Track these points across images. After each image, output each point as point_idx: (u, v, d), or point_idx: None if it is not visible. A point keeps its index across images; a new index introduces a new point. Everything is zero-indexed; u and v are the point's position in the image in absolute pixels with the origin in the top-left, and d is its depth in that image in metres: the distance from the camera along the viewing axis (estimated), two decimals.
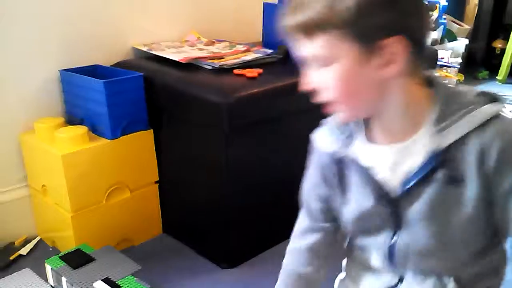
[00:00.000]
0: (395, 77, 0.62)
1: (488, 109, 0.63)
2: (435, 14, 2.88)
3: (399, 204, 0.68)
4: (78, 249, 1.25)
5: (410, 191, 0.66)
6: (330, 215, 0.82)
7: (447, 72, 2.59)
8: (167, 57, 1.44)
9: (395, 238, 0.70)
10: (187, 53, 1.47)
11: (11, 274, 1.30)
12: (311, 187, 0.86)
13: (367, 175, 0.69)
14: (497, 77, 3.25)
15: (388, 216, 0.69)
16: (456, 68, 2.73)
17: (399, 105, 0.65)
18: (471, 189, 0.63)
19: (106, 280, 1.13)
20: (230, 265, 1.37)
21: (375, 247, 0.74)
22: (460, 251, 0.68)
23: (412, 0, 0.62)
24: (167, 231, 1.54)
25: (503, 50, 3.28)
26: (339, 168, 0.74)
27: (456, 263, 0.69)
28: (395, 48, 0.60)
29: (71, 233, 1.32)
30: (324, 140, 0.75)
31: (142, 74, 1.37)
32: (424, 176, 0.64)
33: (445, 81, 0.71)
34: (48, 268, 1.21)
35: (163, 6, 1.65)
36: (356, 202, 0.73)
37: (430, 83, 0.66)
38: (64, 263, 1.20)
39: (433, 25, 2.81)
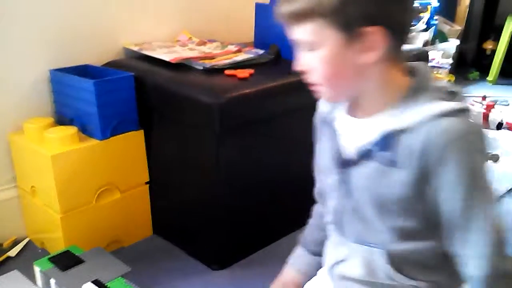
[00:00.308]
0: (374, 63, 0.68)
1: (445, 105, 0.66)
2: (426, 15, 2.90)
3: (347, 171, 0.75)
4: (67, 250, 1.24)
5: (358, 162, 0.73)
6: None
7: (438, 72, 2.60)
8: (158, 57, 1.43)
9: (341, 203, 0.78)
10: (178, 53, 1.47)
11: None
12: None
13: (333, 136, 0.77)
14: (487, 78, 3.28)
15: (338, 180, 0.76)
16: (447, 69, 2.74)
17: (375, 88, 0.71)
18: (405, 175, 0.67)
19: (96, 282, 1.12)
20: (220, 266, 1.37)
21: (330, 211, 0.82)
22: (386, 226, 0.72)
23: None
24: (157, 232, 1.53)
25: (493, 51, 3.31)
26: (321, 125, 0.83)
27: (383, 237, 0.73)
28: (375, 36, 0.66)
29: (61, 234, 1.31)
30: (321, 104, 0.83)
31: (133, 74, 1.37)
32: (370, 152, 0.71)
33: (427, 73, 0.73)
34: (36, 270, 1.20)
35: (155, 6, 1.64)
36: (320, 155, 0.83)
37: (412, 72, 0.72)
38: (53, 265, 1.18)
39: (420, 20, 2.83)
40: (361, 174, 0.72)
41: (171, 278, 1.32)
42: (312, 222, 1.01)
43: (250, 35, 1.64)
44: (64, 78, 1.37)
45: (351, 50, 0.67)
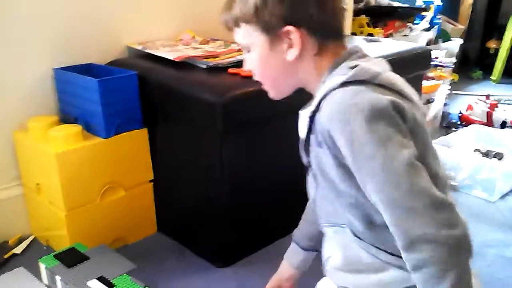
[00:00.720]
0: (299, 58, 0.75)
1: (333, 80, 0.71)
2: (429, 14, 2.90)
3: (309, 159, 0.80)
4: (72, 247, 1.25)
5: (307, 150, 0.79)
6: None
7: (441, 72, 2.60)
8: (162, 55, 1.44)
9: (314, 190, 0.83)
10: (181, 52, 1.47)
11: (5, 273, 1.30)
12: None
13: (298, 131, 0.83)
14: (491, 77, 3.27)
15: (307, 168, 0.83)
16: (450, 68, 2.74)
17: (309, 81, 0.78)
18: (327, 154, 0.72)
19: (101, 279, 1.13)
20: (224, 264, 1.37)
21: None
22: (342, 204, 0.75)
23: None
24: (161, 230, 1.54)
25: (497, 50, 3.30)
26: None
27: (345, 216, 0.75)
28: (293, 35, 0.73)
29: (65, 232, 1.32)
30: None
31: (136, 72, 1.37)
32: (308, 138, 0.76)
33: (346, 55, 0.76)
34: (42, 267, 1.21)
35: (158, 4, 1.65)
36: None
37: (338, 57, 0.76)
38: (58, 262, 1.19)
39: (423, 19, 2.82)
40: (311, 158, 0.78)
41: (175, 275, 1.32)
42: (304, 217, 1.06)
43: None
44: (68, 76, 1.38)
45: (277, 49, 0.75)
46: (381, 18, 2.73)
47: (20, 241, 1.45)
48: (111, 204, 1.38)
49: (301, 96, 1.37)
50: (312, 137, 0.75)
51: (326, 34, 0.76)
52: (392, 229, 0.65)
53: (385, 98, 0.66)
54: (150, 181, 1.49)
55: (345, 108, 0.66)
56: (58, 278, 1.15)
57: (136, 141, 1.41)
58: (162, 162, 1.47)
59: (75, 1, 1.45)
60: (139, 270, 1.20)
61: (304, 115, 0.77)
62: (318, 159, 0.75)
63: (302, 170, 1.48)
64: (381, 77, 0.70)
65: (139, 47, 1.54)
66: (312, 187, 0.85)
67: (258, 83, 1.31)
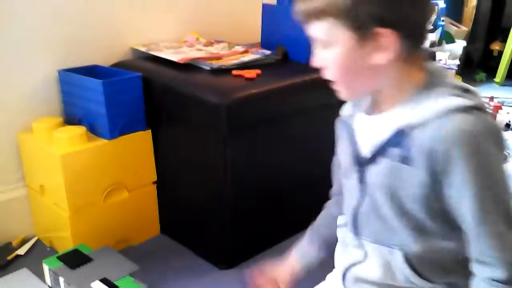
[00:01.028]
0: (386, 63, 0.68)
1: (456, 101, 0.65)
2: (433, 16, 2.89)
3: (365, 169, 0.74)
4: (76, 249, 1.25)
5: (373, 160, 0.73)
6: None
7: None
8: (166, 57, 1.44)
9: (360, 202, 0.77)
10: (185, 54, 1.48)
11: (8, 274, 1.30)
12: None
13: (351, 135, 0.78)
14: (494, 79, 3.26)
15: (357, 179, 0.76)
16: (453, 70, 2.74)
17: (390, 86, 0.71)
18: (417, 174, 0.67)
19: (104, 280, 1.13)
20: (227, 266, 1.37)
21: (348, 211, 0.81)
22: (405, 226, 0.71)
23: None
24: (165, 232, 1.54)
25: (500, 53, 3.29)
26: (341, 126, 0.83)
27: (402, 237, 0.72)
28: (387, 38, 0.66)
29: (69, 233, 1.32)
30: (344, 108, 0.84)
31: (141, 74, 1.38)
32: (384, 149, 0.71)
33: (442, 70, 0.73)
34: (45, 268, 1.21)
35: (162, 6, 1.65)
36: (341, 156, 0.83)
37: (428, 70, 0.71)
38: (62, 263, 1.19)
39: (432, 24, 2.82)
40: (377, 172, 0.72)
41: (178, 277, 1.32)
42: (324, 213, 1.01)
43: (257, 36, 1.65)
44: (73, 78, 1.39)
45: (363, 50, 0.67)
46: None
47: (23, 242, 1.45)
48: (114, 205, 1.39)
49: (303, 99, 1.38)
50: (391, 149, 0.69)
51: (417, 40, 0.70)
52: (488, 260, 0.66)
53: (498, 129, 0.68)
54: (154, 182, 1.49)
55: (476, 138, 0.64)
56: (61, 279, 1.15)
57: (140, 142, 1.42)
58: (165, 163, 1.47)
59: (79, 3, 1.46)
60: (142, 271, 1.20)
61: (385, 123, 0.71)
62: (391, 174, 0.70)
63: (305, 173, 1.48)
64: (486, 106, 0.69)
65: (143, 49, 1.54)
66: (354, 197, 0.78)
67: (262, 85, 1.32)
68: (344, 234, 0.86)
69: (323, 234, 0.96)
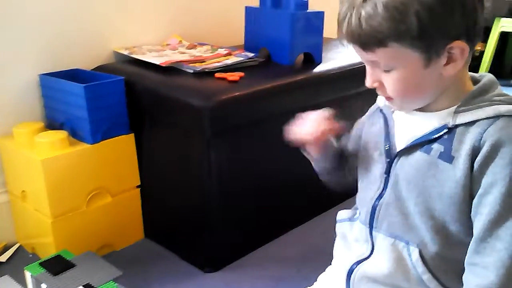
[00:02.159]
0: (454, 74, 0.67)
1: (505, 107, 0.65)
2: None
3: (394, 161, 0.73)
4: (58, 255, 1.24)
5: (406, 152, 0.71)
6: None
7: None
8: (148, 60, 1.44)
9: (382, 193, 0.75)
10: (168, 57, 1.47)
11: None
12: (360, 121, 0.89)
13: (388, 127, 0.76)
14: None
15: (383, 170, 0.75)
16: None
17: (444, 93, 0.69)
18: (456, 173, 0.66)
19: (87, 286, 1.11)
20: (213, 269, 1.37)
21: (365, 201, 0.79)
22: (427, 224, 0.70)
23: (468, 3, 0.63)
24: (149, 236, 1.53)
25: (482, 53, 3.34)
26: (375, 113, 0.81)
27: (422, 235, 0.71)
28: (456, 50, 0.64)
29: (51, 239, 1.30)
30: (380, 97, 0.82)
31: (123, 78, 1.37)
32: (421, 142, 0.69)
33: (492, 79, 0.71)
34: (27, 275, 1.19)
35: (145, 9, 1.64)
36: (368, 144, 0.80)
37: (477, 78, 0.71)
38: (44, 269, 1.18)
39: None
40: (412, 165, 0.71)
41: (163, 281, 1.32)
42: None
43: (240, 38, 1.65)
44: (54, 82, 1.37)
45: (433, 66, 0.65)
46: None
47: (5, 249, 1.43)
48: (97, 210, 1.37)
49: (287, 100, 1.38)
50: (432, 144, 0.68)
51: (477, 40, 0.67)
52: (484, 263, 0.65)
53: None
54: (137, 186, 1.48)
55: None
56: (44, 286, 1.14)
57: (123, 146, 1.41)
58: (149, 167, 1.46)
59: (61, 6, 1.44)
60: (126, 276, 1.19)
61: (430, 120, 0.70)
62: (426, 169, 0.69)
63: (290, 174, 1.48)
64: None
65: (126, 52, 1.53)
66: (374, 188, 0.77)
67: (245, 87, 1.32)
68: (346, 229, 0.84)
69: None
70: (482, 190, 0.65)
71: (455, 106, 0.68)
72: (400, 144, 0.74)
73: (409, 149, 0.71)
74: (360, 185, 0.83)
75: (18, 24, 1.38)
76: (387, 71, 0.67)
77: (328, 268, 0.90)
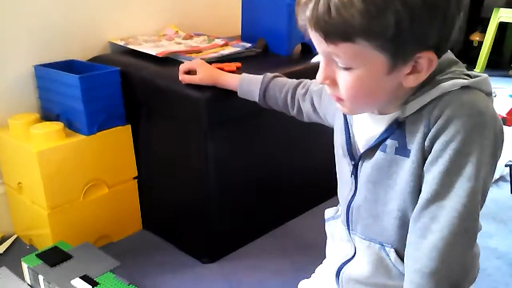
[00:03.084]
0: (415, 85, 0.62)
1: (449, 83, 0.61)
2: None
3: (357, 164, 0.72)
4: (55, 246, 1.24)
5: (365, 154, 0.70)
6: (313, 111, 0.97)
7: None
8: (145, 51, 1.42)
9: (353, 196, 0.74)
10: (164, 47, 1.46)
11: None
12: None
13: (348, 127, 0.74)
14: (474, 70, 3.30)
15: (350, 173, 0.74)
16: None
17: (400, 98, 0.65)
18: (411, 162, 0.64)
19: (84, 277, 1.12)
20: (211, 260, 1.37)
21: (342, 202, 0.79)
22: (395, 224, 0.69)
23: (455, 10, 0.59)
24: (146, 227, 1.53)
25: (480, 43, 3.33)
26: (339, 113, 0.78)
27: (393, 235, 0.70)
28: (424, 60, 0.59)
29: (48, 230, 1.30)
30: None
31: (119, 68, 1.36)
32: (378, 142, 0.67)
33: (446, 61, 0.66)
34: (24, 266, 1.19)
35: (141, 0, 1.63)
36: (336, 143, 0.79)
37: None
38: (41, 261, 1.18)
39: None
40: (373, 166, 0.68)
41: (161, 272, 1.32)
42: (288, 82, 1.05)
43: (237, 29, 1.63)
44: (49, 73, 1.36)
45: (395, 74, 0.60)
46: None
47: (2, 240, 1.43)
48: (94, 201, 1.37)
49: None
50: (387, 142, 0.66)
51: (444, 53, 0.63)
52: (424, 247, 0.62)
53: (502, 127, 0.62)
54: (134, 178, 1.48)
55: (478, 116, 0.59)
56: (41, 277, 1.14)
57: (120, 137, 1.40)
58: (146, 158, 1.46)
59: None
60: (123, 267, 1.19)
61: (384, 119, 0.67)
62: (385, 167, 0.67)
63: (288, 166, 1.48)
64: (492, 98, 0.64)
65: (122, 43, 1.52)
66: (347, 189, 0.76)
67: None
68: (332, 228, 0.85)
69: (274, 90, 1.05)
70: (430, 158, 0.62)
71: (407, 101, 0.65)
72: (360, 145, 0.72)
73: (369, 151, 0.69)
74: (338, 181, 0.81)
75: (13, 14, 1.36)
76: (345, 68, 0.61)
77: (319, 268, 0.91)
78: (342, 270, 0.79)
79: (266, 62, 1.46)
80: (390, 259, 0.71)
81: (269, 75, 1.09)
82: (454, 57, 0.67)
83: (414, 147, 0.63)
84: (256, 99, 1.10)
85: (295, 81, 1.04)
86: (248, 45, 1.51)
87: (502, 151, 0.64)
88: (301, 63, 1.47)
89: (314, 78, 0.92)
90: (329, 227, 0.86)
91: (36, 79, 1.42)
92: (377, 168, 0.68)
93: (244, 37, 1.59)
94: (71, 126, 1.34)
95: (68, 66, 1.40)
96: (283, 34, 1.48)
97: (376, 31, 0.55)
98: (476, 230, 0.63)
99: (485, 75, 0.64)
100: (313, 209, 1.60)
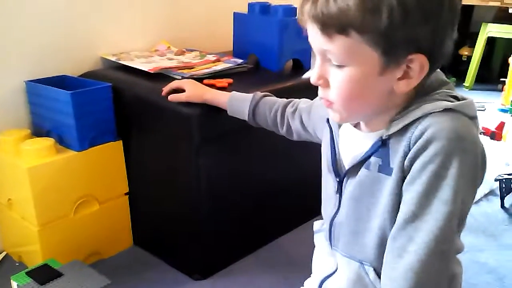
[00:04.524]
0: (407, 91, 0.63)
1: (432, 105, 0.61)
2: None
3: (341, 181, 0.73)
4: (45, 264, 1.22)
5: (350, 171, 0.70)
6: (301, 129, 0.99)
7: None
8: (136, 67, 1.43)
9: (336, 213, 0.75)
10: (156, 63, 1.47)
11: None
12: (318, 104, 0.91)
13: (332, 142, 0.75)
14: (464, 84, 3.34)
15: (334, 190, 0.74)
16: None
17: (390, 110, 0.65)
18: (393, 181, 0.64)
19: None
20: (202, 276, 1.36)
21: (325, 217, 0.79)
22: (376, 242, 0.68)
23: (448, 19, 0.59)
24: (137, 244, 1.52)
25: (469, 57, 3.38)
26: (324, 123, 0.79)
27: (373, 253, 0.69)
28: (416, 64, 0.60)
29: (38, 247, 1.29)
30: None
31: (111, 84, 1.36)
32: (363, 159, 0.67)
33: (434, 82, 0.66)
34: (14, 284, 1.17)
35: (133, 15, 1.64)
36: (323, 162, 0.80)
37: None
38: (30, 279, 1.16)
39: None
40: (357, 183, 0.69)
41: None
42: (275, 103, 1.07)
43: (229, 45, 1.65)
44: (40, 89, 1.36)
45: (386, 75, 0.60)
46: None
47: None
48: (85, 218, 1.36)
49: None
50: (371, 160, 0.66)
51: (438, 64, 0.63)
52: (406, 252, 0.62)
53: (485, 151, 0.62)
54: (126, 194, 1.47)
55: (458, 141, 0.58)
56: None
57: (111, 153, 1.40)
58: (137, 174, 1.45)
59: (47, 11, 1.43)
60: (114, 285, 1.18)
61: (370, 137, 0.67)
62: (369, 185, 0.67)
63: (279, 181, 1.48)
64: (477, 122, 0.64)
65: (113, 59, 1.52)
66: (331, 205, 0.76)
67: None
68: (318, 240, 0.85)
69: (263, 109, 1.06)
70: (403, 188, 0.63)
71: (393, 120, 0.65)
72: (346, 162, 0.72)
73: (354, 168, 0.69)
74: (322, 196, 0.82)
75: (4, 30, 1.36)
76: (338, 66, 0.61)
77: (307, 280, 0.91)
78: (324, 284, 0.79)
79: (258, 77, 1.48)
80: (369, 277, 0.71)
81: (259, 94, 1.11)
82: (445, 77, 0.68)
83: (396, 165, 0.63)
84: (246, 118, 1.11)
85: (284, 100, 1.06)
86: (240, 61, 1.52)
87: (485, 175, 0.64)
88: (292, 79, 1.48)
89: (305, 93, 0.94)
90: (316, 239, 0.87)
91: (27, 95, 1.42)
92: (360, 185, 0.68)
93: (235, 53, 1.60)
94: (62, 142, 1.34)
95: (60, 81, 1.40)
96: (274, 50, 1.49)
97: (369, 24, 0.56)
98: (452, 252, 0.63)
99: (470, 98, 0.65)
100: (303, 224, 1.60)
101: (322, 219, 0.88)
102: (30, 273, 1.18)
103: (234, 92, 1.14)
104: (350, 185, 0.71)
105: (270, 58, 1.50)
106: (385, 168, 0.65)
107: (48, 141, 1.30)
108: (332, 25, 0.58)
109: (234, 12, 1.59)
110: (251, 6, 1.55)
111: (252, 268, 1.40)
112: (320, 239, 0.85)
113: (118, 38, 1.61)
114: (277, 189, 1.50)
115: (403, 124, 0.63)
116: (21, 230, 1.34)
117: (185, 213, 1.36)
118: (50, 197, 1.28)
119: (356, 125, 0.73)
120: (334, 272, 0.78)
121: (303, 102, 0.99)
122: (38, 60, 1.43)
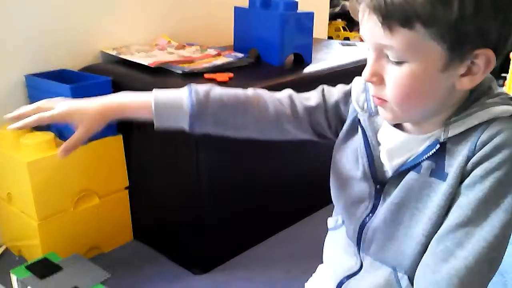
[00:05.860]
0: (470, 88, 0.58)
1: (500, 108, 0.58)
2: None
3: (383, 185, 0.66)
4: (45, 258, 1.22)
5: (398, 176, 0.64)
6: (312, 124, 0.81)
7: None
8: (137, 61, 1.42)
9: (369, 216, 0.69)
10: (157, 57, 1.46)
11: None
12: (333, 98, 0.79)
13: (369, 149, 0.67)
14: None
15: (369, 193, 0.68)
16: None
17: (444, 109, 0.61)
18: (448, 186, 0.59)
19: None
20: (202, 271, 1.36)
21: (351, 220, 0.73)
22: (416, 249, 0.64)
23: (510, 16, 0.55)
24: (137, 238, 1.52)
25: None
26: (356, 120, 0.70)
27: (410, 261, 0.65)
28: (481, 60, 0.55)
29: (38, 241, 1.29)
30: (357, 90, 0.70)
31: (111, 78, 1.35)
32: (415, 164, 0.62)
33: (488, 82, 0.61)
34: (13, 278, 1.17)
35: (133, 9, 1.63)
36: (347, 164, 0.71)
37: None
38: (30, 273, 1.16)
39: None
40: (403, 187, 0.64)
41: (152, 283, 1.31)
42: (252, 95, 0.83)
43: (229, 39, 1.64)
44: (40, 83, 1.35)
45: (448, 72, 0.56)
46: (357, 22, 2.75)
47: None
48: (85, 212, 1.36)
49: None
50: (425, 164, 0.61)
51: (499, 60, 0.58)
52: (456, 255, 0.58)
53: None
54: (126, 188, 1.47)
55: None
56: None
57: (111, 148, 1.39)
58: (137, 168, 1.45)
59: (47, 6, 1.43)
60: (114, 279, 1.18)
61: (421, 141, 0.62)
62: (418, 190, 0.62)
63: (279, 175, 1.48)
64: None
65: (114, 53, 1.52)
66: (361, 209, 0.70)
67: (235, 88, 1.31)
68: (333, 238, 0.80)
69: (214, 107, 0.77)
70: (459, 191, 0.59)
71: (447, 122, 0.60)
72: (388, 167, 0.66)
73: (399, 175, 0.64)
74: (343, 199, 0.75)
75: (4, 24, 1.36)
76: (397, 63, 0.56)
77: (315, 276, 0.88)
78: (345, 284, 0.75)
79: (258, 72, 1.47)
80: (400, 285, 0.67)
81: (199, 92, 0.79)
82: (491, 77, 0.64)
83: (453, 170, 0.59)
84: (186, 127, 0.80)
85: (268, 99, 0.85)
86: (241, 55, 1.51)
87: None
88: (293, 73, 1.48)
89: (307, 88, 0.89)
90: (331, 237, 0.82)
91: (27, 89, 1.41)
92: (406, 189, 0.63)
93: (236, 47, 1.60)
94: (62, 136, 1.33)
95: (60, 75, 1.40)
96: (275, 44, 1.48)
97: (438, 16, 0.51)
98: (500, 262, 0.61)
99: None
100: (305, 218, 1.60)
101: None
102: (30, 267, 1.18)
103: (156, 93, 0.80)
104: (392, 190, 0.65)
105: (271, 53, 1.50)
106: (438, 173, 0.60)
107: (48, 135, 1.29)
108: (396, 17, 0.52)
109: (235, 6, 1.59)
110: (252, 0, 1.54)
111: (253, 262, 1.41)
112: (336, 236, 0.80)
113: (118, 32, 1.61)
114: (278, 184, 1.50)
115: (466, 126, 0.58)
116: (21, 224, 1.33)
117: (185, 207, 1.35)
118: (50, 191, 1.27)
119: (397, 126, 0.66)
120: (356, 273, 0.74)
121: (306, 99, 0.85)
122: (38, 54, 1.43)
